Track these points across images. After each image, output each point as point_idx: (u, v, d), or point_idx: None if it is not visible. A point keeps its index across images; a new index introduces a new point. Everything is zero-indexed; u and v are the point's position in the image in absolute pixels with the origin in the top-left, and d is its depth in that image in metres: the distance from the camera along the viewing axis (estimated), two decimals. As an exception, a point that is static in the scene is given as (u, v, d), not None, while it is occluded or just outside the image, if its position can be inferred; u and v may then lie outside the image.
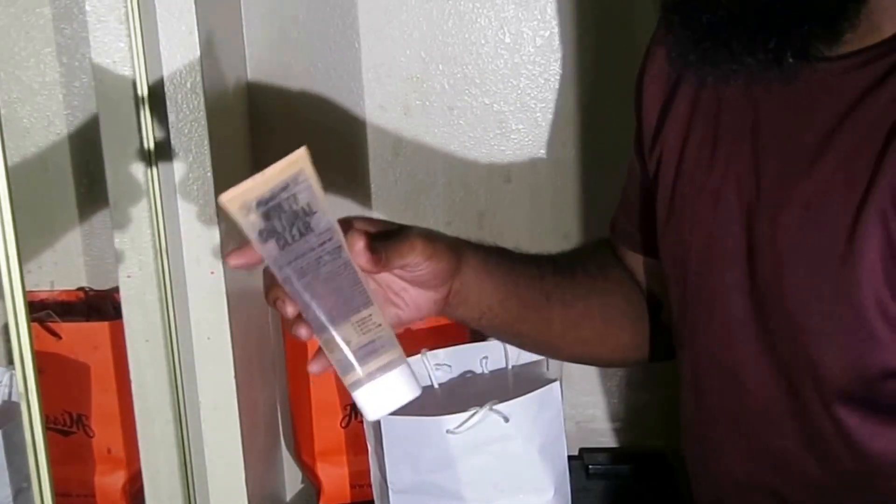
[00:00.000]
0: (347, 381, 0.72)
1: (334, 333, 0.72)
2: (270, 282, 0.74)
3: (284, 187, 0.71)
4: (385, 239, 0.77)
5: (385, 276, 0.79)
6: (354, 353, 0.72)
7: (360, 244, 0.73)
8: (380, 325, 0.73)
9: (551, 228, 1.44)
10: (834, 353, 0.74)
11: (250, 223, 0.70)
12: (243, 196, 0.70)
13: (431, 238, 0.80)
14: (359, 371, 0.72)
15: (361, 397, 0.72)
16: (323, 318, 0.72)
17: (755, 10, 0.72)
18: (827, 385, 0.76)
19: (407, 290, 0.81)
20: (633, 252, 1.02)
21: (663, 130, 0.91)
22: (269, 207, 0.70)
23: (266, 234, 0.70)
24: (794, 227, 0.76)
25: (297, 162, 0.72)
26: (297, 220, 0.71)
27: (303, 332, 0.73)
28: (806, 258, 0.75)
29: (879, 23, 0.73)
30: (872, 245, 0.70)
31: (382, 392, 0.72)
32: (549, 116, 1.41)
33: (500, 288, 0.88)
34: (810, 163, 0.75)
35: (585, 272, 0.98)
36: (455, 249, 0.83)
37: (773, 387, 0.80)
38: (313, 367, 0.75)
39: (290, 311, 0.73)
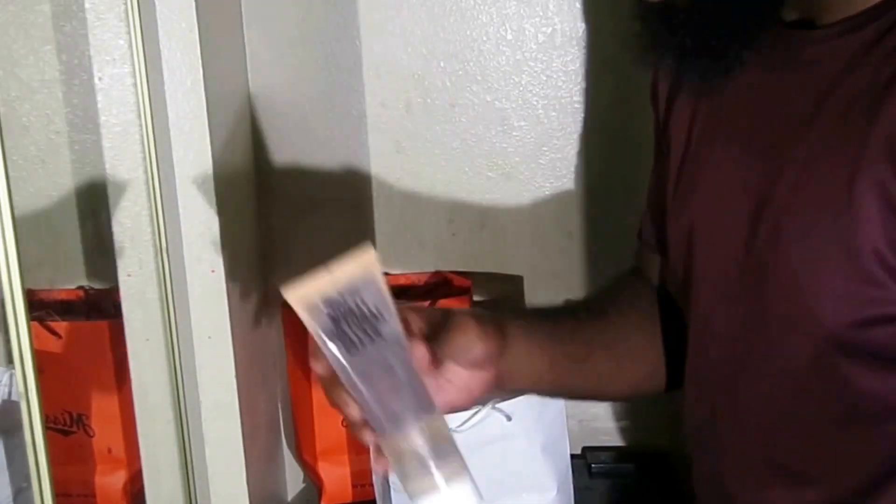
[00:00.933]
0: (412, 487, 0.70)
1: (399, 440, 0.70)
2: (331, 381, 0.72)
3: (352, 290, 0.69)
4: (436, 332, 0.77)
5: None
6: (421, 459, 0.70)
7: (421, 352, 0.74)
8: (444, 429, 0.71)
9: (553, 226, 1.43)
10: (831, 301, 0.76)
11: (317, 323, 0.69)
12: (311, 294, 0.69)
13: (479, 319, 0.80)
14: (429, 478, 0.70)
15: None
16: (388, 424, 0.70)
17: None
18: (822, 333, 0.77)
19: (458, 375, 0.80)
20: (654, 255, 1.02)
21: (671, 117, 0.94)
22: (339, 312, 0.69)
23: (333, 337, 0.69)
24: (793, 183, 0.78)
25: (367, 264, 0.70)
26: (366, 325, 0.69)
27: (370, 437, 0.73)
28: (804, 212, 0.77)
29: None
30: (869, 198, 0.72)
31: (449, 501, 0.70)
32: (552, 113, 1.41)
33: (546, 353, 0.89)
34: (806, 126, 0.77)
35: (618, 312, 0.98)
36: (500, 326, 0.83)
37: (765, 345, 0.82)
38: (378, 469, 0.75)
39: (356, 414, 0.72)
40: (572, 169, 1.43)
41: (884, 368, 0.76)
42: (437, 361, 0.76)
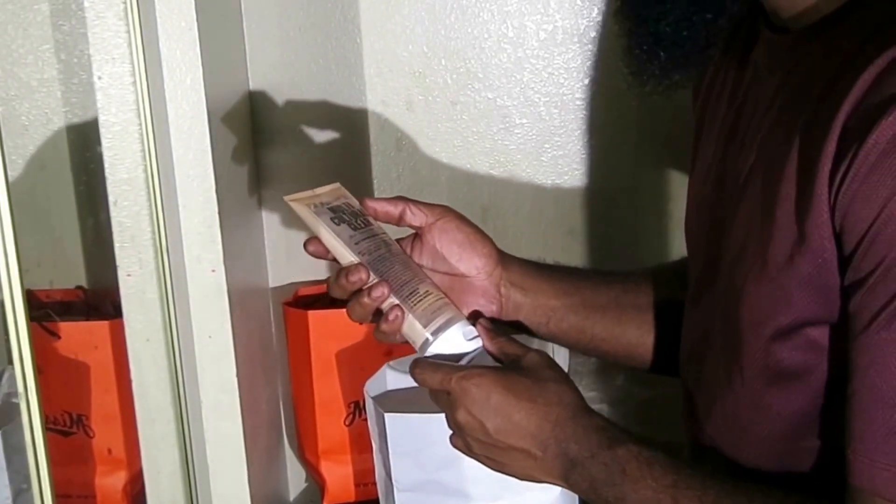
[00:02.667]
0: (427, 330, 0.85)
1: (415, 290, 0.86)
2: (337, 273, 0.86)
3: (337, 198, 0.90)
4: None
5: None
6: (429, 307, 0.85)
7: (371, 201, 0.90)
8: (439, 290, 0.88)
9: (555, 224, 1.43)
10: (747, 309, 0.77)
11: (322, 214, 0.87)
12: (308, 199, 0.88)
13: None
14: (435, 323, 0.85)
15: (437, 350, 0.84)
16: (401, 281, 0.85)
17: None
18: (741, 347, 0.78)
19: (458, 290, 0.91)
20: None
21: (701, 129, 0.95)
22: (333, 207, 0.88)
23: (337, 220, 0.87)
24: (735, 193, 0.79)
25: (337, 189, 0.91)
26: (357, 217, 0.88)
27: (384, 289, 0.84)
28: (739, 223, 0.78)
29: None
30: (782, 208, 0.72)
31: (454, 344, 0.85)
32: (553, 111, 1.40)
33: (558, 288, 0.95)
34: (752, 136, 0.79)
35: (657, 281, 1.01)
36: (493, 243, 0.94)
37: (714, 350, 0.84)
38: (383, 328, 0.86)
39: (363, 276, 0.84)
40: (574, 166, 1.42)
41: (789, 385, 0.76)
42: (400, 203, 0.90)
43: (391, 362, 1.16)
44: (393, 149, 1.42)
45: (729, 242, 0.80)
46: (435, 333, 0.85)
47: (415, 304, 0.85)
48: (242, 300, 1.23)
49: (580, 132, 1.41)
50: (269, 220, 1.40)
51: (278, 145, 1.39)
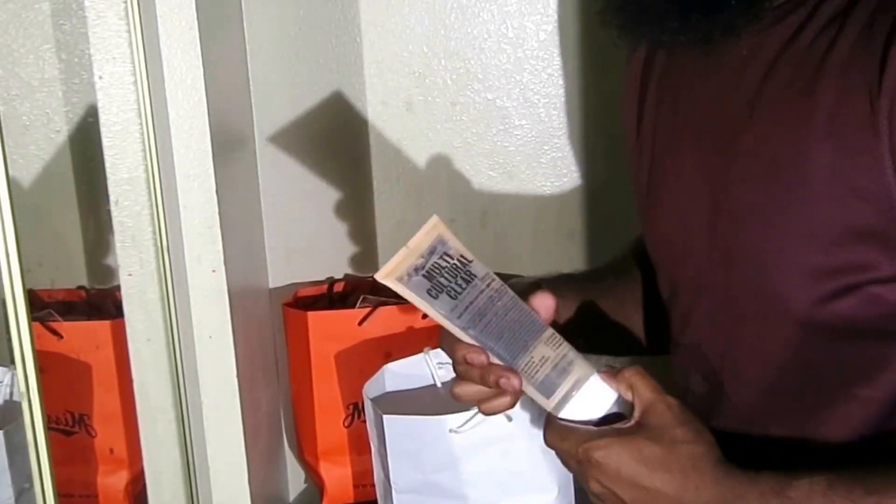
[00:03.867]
0: (551, 401, 0.77)
1: (532, 356, 0.77)
2: (452, 345, 0.79)
3: (433, 251, 0.78)
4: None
5: None
6: (553, 370, 0.77)
7: (549, 300, 0.80)
8: (563, 342, 0.78)
9: (554, 225, 1.43)
10: (795, 279, 0.78)
11: (415, 287, 0.77)
12: (398, 268, 0.77)
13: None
14: (561, 389, 0.77)
15: (568, 415, 0.77)
16: (516, 346, 0.77)
17: None
18: (791, 314, 0.79)
19: None
20: None
21: (643, 117, 0.96)
22: (429, 269, 0.77)
23: (435, 292, 0.77)
24: (745, 172, 0.80)
25: (435, 227, 0.78)
26: (458, 272, 0.78)
27: (514, 381, 0.77)
28: (759, 197, 0.79)
29: None
30: (819, 174, 0.74)
31: (585, 405, 0.77)
32: (553, 112, 1.40)
33: (574, 307, 0.95)
34: (750, 114, 0.79)
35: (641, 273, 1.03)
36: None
37: (742, 333, 0.84)
38: (514, 384, 0.77)
39: (484, 358, 0.77)
40: (573, 168, 1.42)
41: (853, 341, 0.77)
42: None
43: (390, 364, 1.17)
44: (392, 149, 1.42)
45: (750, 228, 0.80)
46: (558, 406, 0.78)
47: (532, 376, 0.78)
48: (243, 301, 1.23)
49: (579, 134, 1.41)
50: (270, 221, 1.40)
51: (279, 145, 1.39)
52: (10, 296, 0.88)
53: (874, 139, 0.71)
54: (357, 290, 1.39)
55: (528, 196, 1.42)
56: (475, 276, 0.78)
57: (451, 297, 0.77)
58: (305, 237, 1.43)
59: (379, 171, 1.43)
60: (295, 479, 1.47)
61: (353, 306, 1.33)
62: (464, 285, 0.77)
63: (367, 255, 1.46)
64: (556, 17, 1.38)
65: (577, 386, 0.77)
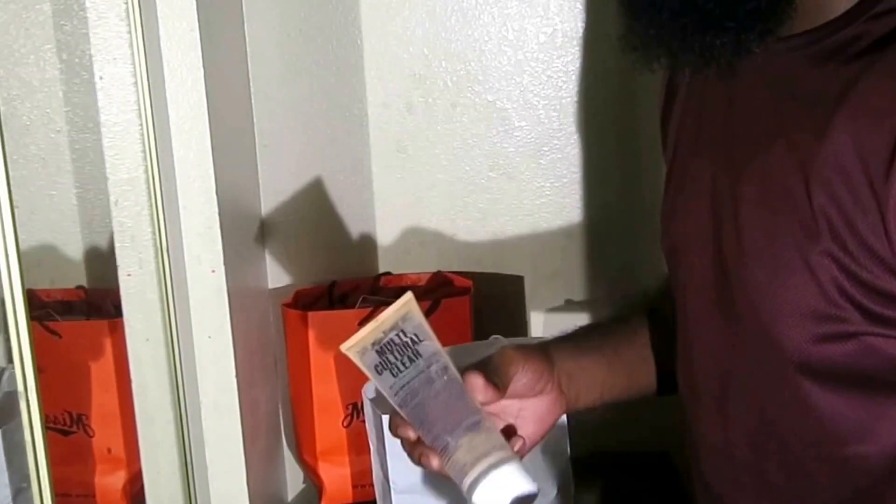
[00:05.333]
0: (464, 484, 0.78)
1: (449, 440, 0.79)
2: (391, 415, 0.83)
3: (394, 327, 0.82)
4: (486, 369, 0.83)
5: (502, 406, 0.85)
6: (467, 456, 0.78)
7: (478, 381, 0.81)
8: (490, 428, 0.80)
9: (554, 227, 1.43)
10: (789, 316, 0.77)
11: (368, 362, 0.81)
12: (361, 342, 0.81)
13: (518, 348, 0.88)
14: (473, 472, 0.77)
15: (478, 497, 0.77)
16: (437, 429, 0.79)
17: (691, 8, 0.76)
18: (783, 351, 0.78)
19: (525, 408, 0.87)
20: None
21: (668, 131, 0.94)
22: (383, 345, 0.81)
23: (381, 368, 0.81)
24: (754, 201, 0.79)
25: (405, 304, 0.82)
26: (406, 350, 0.81)
27: (434, 462, 0.80)
28: (762, 227, 0.78)
29: (828, 2, 0.75)
30: (824, 214, 0.73)
31: (497, 488, 0.77)
32: (552, 113, 1.41)
33: (603, 363, 0.95)
34: (766, 140, 0.78)
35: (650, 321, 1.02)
36: (543, 349, 0.90)
37: (735, 363, 0.83)
38: (433, 464, 0.81)
39: (411, 434, 0.82)
40: (573, 169, 1.42)
41: (842, 388, 0.77)
42: (499, 389, 0.82)
43: (390, 364, 1.17)
44: (393, 150, 1.42)
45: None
46: (470, 488, 0.78)
47: (450, 457, 0.79)
48: (242, 301, 1.23)
49: (579, 135, 1.41)
50: (269, 221, 1.40)
51: (279, 147, 1.39)
52: (9, 295, 0.88)
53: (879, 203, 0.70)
54: (357, 291, 1.39)
55: (528, 197, 1.42)
56: (420, 357, 0.81)
57: (392, 374, 0.81)
58: (305, 237, 1.43)
59: (379, 173, 1.43)
60: (294, 479, 1.47)
61: (352, 307, 1.34)
62: (407, 364, 0.81)
63: (367, 255, 1.46)
64: (555, 19, 1.38)
65: (489, 471, 0.77)
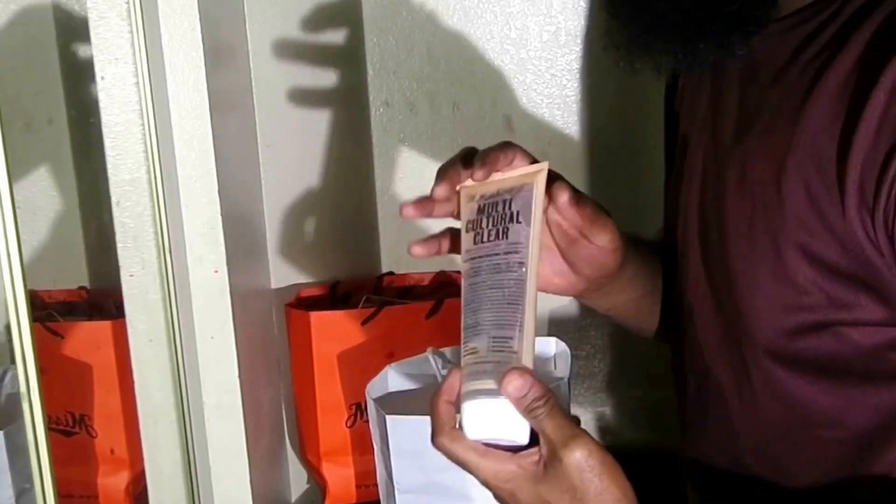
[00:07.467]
0: (465, 387, 0.72)
1: (474, 341, 0.72)
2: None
3: (509, 190, 0.75)
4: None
5: (569, 233, 0.82)
6: (481, 364, 0.71)
7: (565, 194, 0.76)
8: (515, 351, 0.71)
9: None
10: (760, 305, 0.78)
11: (467, 211, 0.77)
12: (477, 189, 0.76)
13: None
14: (478, 383, 0.71)
15: (469, 409, 0.72)
16: (470, 320, 0.73)
17: (675, 10, 0.77)
18: (756, 339, 0.79)
19: (590, 249, 0.83)
20: None
21: (668, 120, 0.98)
22: (487, 203, 0.75)
23: (471, 226, 0.76)
24: (732, 185, 0.80)
25: (536, 174, 0.75)
26: (500, 224, 0.74)
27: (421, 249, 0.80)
28: (740, 214, 0.79)
29: None
30: (795, 197, 0.73)
31: (488, 415, 0.71)
32: (556, 112, 1.40)
33: (637, 287, 0.95)
34: (748, 125, 0.79)
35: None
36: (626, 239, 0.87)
37: (719, 343, 0.85)
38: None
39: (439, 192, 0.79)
40: (576, 169, 1.42)
41: (813, 376, 0.77)
42: (576, 204, 0.78)
43: (393, 364, 1.17)
44: (395, 149, 1.42)
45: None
46: (465, 398, 0.72)
47: (464, 355, 0.73)
48: (245, 301, 1.23)
49: (582, 134, 1.41)
50: (272, 221, 1.40)
51: (281, 146, 1.39)
52: (11, 295, 0.88)
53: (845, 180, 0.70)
54: (360, 291, 1.39)
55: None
56: (506, 238, 0.74)
57: (474, 240, 0.75)
58: (308, 237, 1.42)
59: (381, 173, 1.42)
60: (297, 480, 1.47)
61: (355, 306, 1.33)
62: (492, 237, 0.74)
63: (369, 255, 1.46)
64: (558, 17, 1.37)
65: (491, 393, 0.70)
